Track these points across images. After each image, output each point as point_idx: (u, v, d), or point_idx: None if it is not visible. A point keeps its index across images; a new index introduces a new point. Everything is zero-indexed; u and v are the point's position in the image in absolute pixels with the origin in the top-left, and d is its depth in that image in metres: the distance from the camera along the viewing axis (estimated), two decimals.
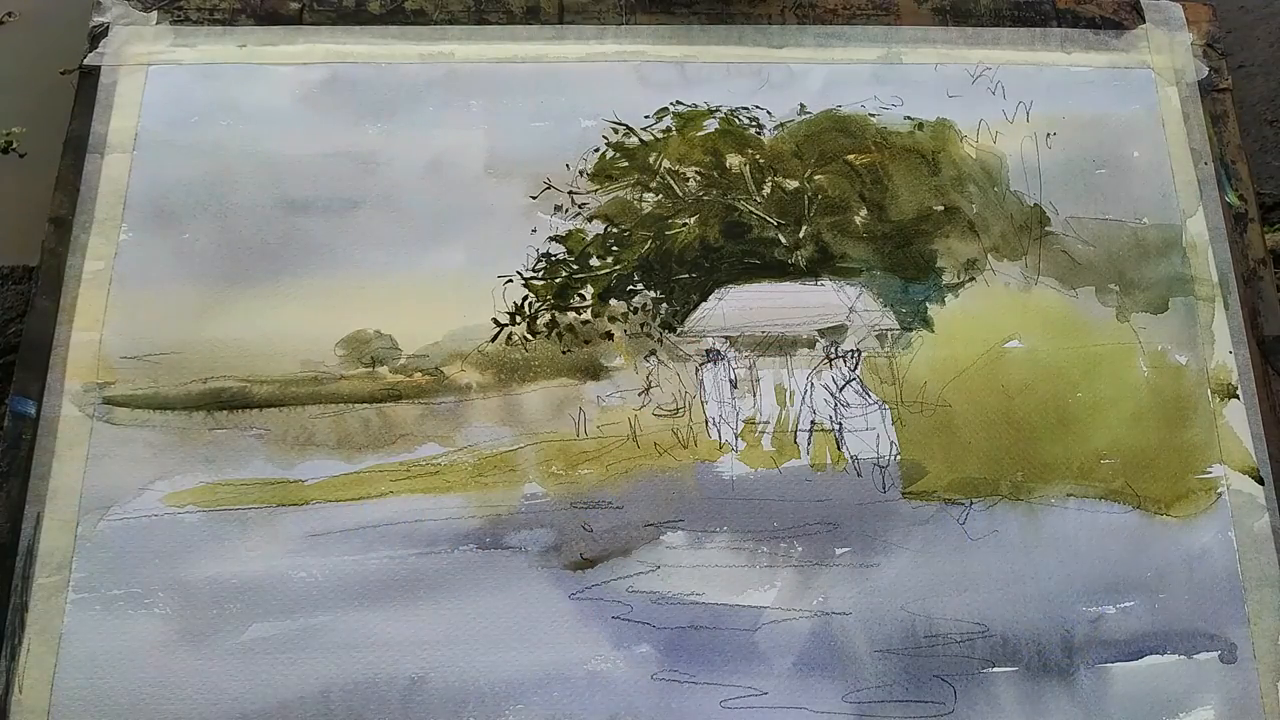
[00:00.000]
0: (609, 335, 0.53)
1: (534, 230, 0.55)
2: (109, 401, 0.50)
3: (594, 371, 0.52)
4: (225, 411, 0.50)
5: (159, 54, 0.57)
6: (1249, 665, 0.51)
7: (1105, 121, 0.61)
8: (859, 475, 0.52)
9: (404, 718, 0.46)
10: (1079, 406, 0.54)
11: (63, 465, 0.49)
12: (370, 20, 0.59)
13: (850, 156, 0.58)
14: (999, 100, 0.61)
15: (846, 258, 0.55)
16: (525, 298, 0.54)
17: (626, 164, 0.57)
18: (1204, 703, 0.50)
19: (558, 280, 0.54)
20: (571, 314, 0.53)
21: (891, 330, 0.54)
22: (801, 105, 0.59)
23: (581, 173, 0.57)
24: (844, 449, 0.52)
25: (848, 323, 0.54)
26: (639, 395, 0.52)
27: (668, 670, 0.47)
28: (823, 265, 0.55)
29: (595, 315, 0.53)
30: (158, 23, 0.58)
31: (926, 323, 0.55)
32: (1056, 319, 0.56)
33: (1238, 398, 0.55)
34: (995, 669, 0.49)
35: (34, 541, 0.47)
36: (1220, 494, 0.53)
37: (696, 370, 0.52)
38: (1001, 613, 0.50)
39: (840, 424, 0.52)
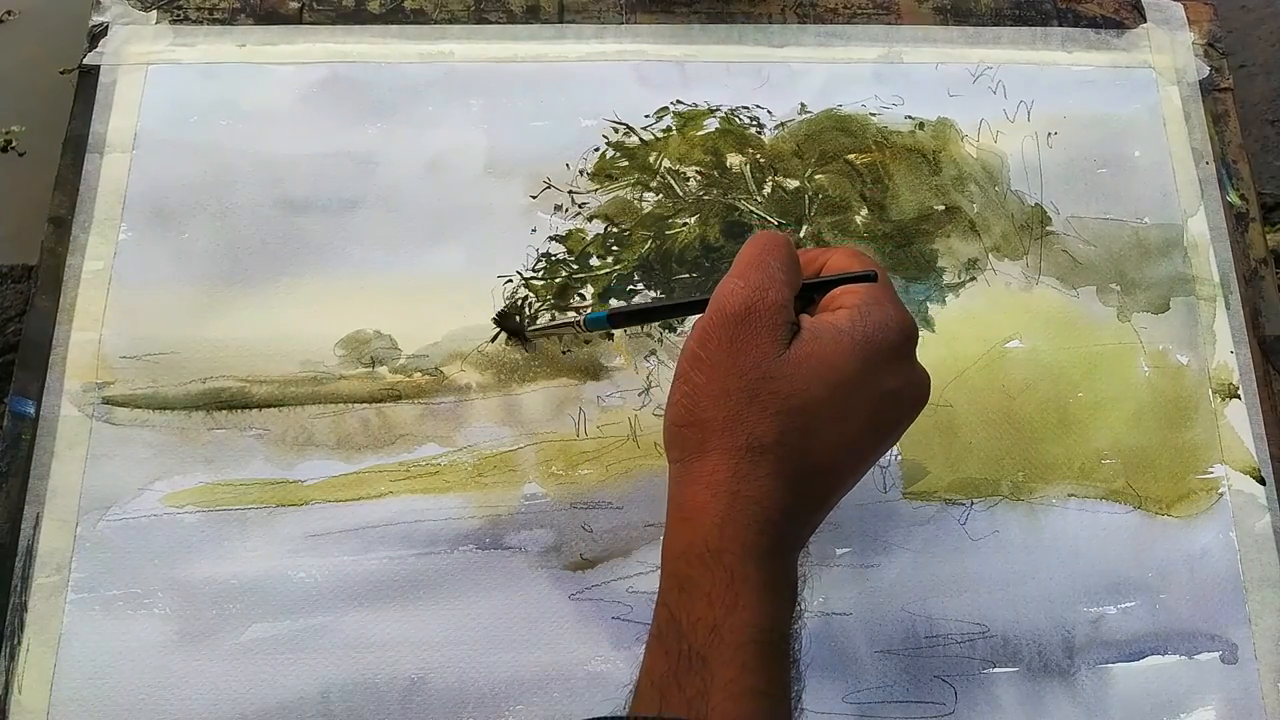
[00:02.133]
0: (609, 335, 0.53)
1: (534, 230, 0.55)
2: (108, 401, 0.50)
3: (594, 371, 0.52)
4: (225, 411, 0.50)
5: (158, 53, 0.57)
6: (1250, 666, 0.51)
7: (1106, 121, 0.61)
8: None
9: (403, 718, 0.46)
10: (1080, 406, 0.54)
11: (62, 465, 0.49)
12: (370, 20, 0.59)
13: (851, 156, 0.58)
14: (1000, 100, 0.60)
15: None
16: (525, 297, 0.53)
17: (627, 163, 0.57)
18: (1205, 703, 0.50)
19: (558, 280, 0.54)
20: (571, 314, 0.53)
21: None
22: (802, 104, 0.59)
23: (581, 172, 0.56)
24: None
25: None
26: (639, 395, 0.52)
27: None
28: None
29: None
30: (157, 22, 0.58)
31: (927, 323, 0.55)
32: (1058, 319, 0.56)
33: (1239, 398, 0.55)
34: (996, 669, 0.49)
35: (33, 541, 0.47)
36: (1221, 494, 0.53)
37: None
38: (1002, 613, 0.50)
39: None
